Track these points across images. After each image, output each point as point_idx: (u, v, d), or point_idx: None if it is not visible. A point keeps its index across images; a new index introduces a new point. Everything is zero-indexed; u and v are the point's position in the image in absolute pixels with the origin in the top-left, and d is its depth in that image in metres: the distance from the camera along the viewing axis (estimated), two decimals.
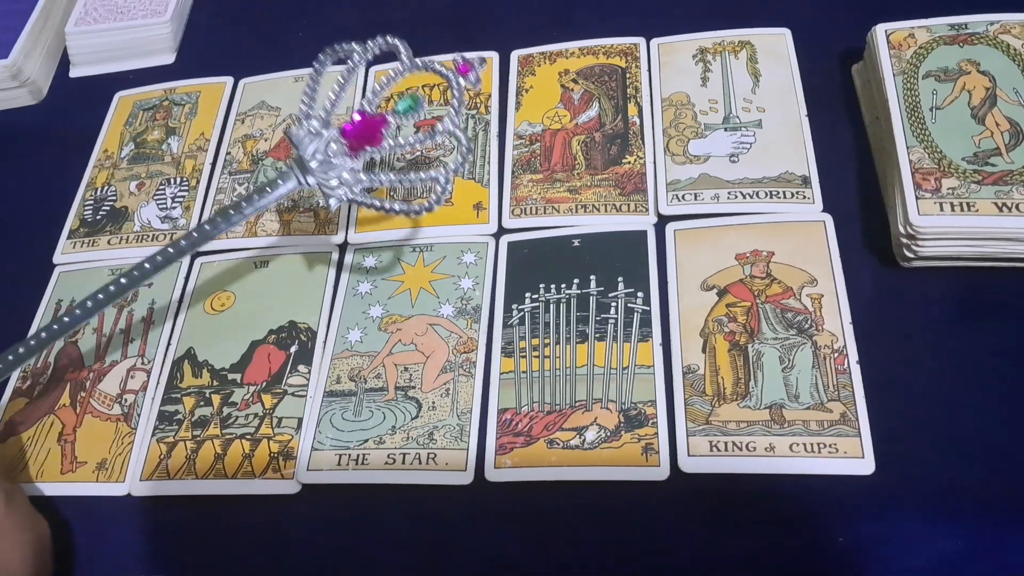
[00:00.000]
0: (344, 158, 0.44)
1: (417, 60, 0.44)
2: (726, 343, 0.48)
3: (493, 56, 0.65)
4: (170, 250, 0.46)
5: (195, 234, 0.46)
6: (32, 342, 0.45)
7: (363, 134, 0.44)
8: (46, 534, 0.47)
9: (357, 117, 0.45)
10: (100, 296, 0.46)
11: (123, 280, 0.46)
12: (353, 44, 0.46)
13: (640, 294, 0.51)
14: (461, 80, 0.44)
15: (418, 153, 0.47)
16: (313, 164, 0.43)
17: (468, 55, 0.46)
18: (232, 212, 0.46)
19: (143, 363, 0.55)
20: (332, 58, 0.46)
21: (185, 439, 0.51)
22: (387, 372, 0.52)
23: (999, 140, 0.48)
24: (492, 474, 0.47)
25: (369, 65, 0.49)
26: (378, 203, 0.45)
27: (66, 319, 0.46)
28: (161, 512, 0.50)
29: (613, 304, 0.51)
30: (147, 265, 0.46)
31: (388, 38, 0.44)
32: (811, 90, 0.57)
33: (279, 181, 0.45)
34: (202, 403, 0.53)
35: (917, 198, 0.47)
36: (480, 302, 0.53)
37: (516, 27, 0.67)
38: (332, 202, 0.45)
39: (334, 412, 0.50)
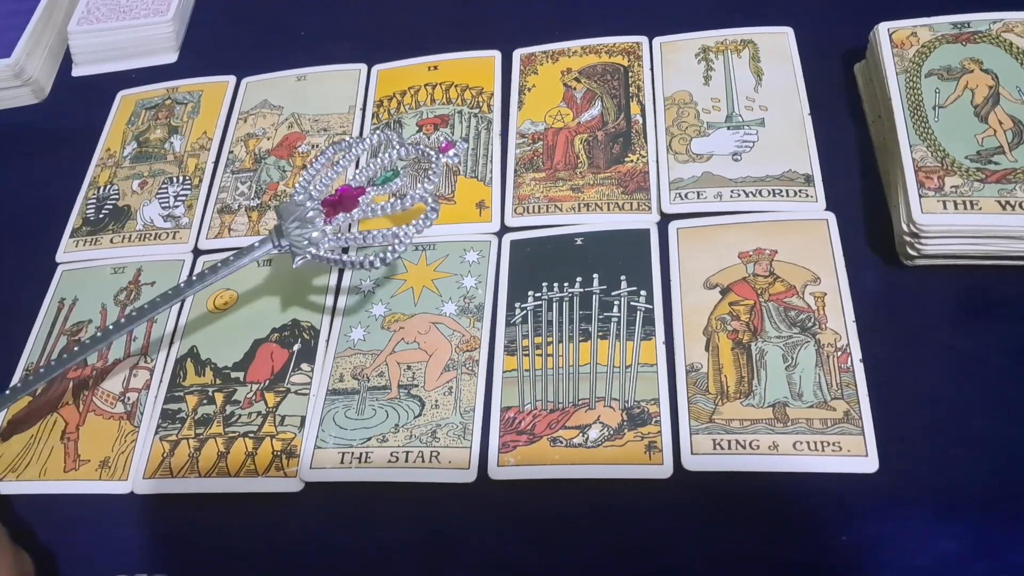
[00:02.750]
0: (318, 222, 0.48)
1: (408, 145, 0.50)
2: (729, 341, 0.48)
3: (495, 55, 0.65)
4: (145, 306, 0.49)
5: (169, 292, 0.49)
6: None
7: (340, 204, 0.48)
8: (30, 570, 0.46)
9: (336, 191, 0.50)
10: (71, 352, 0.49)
11: (86, 340, 0.50)
12: (350, 138, 0.53)
13: (643, 292, 0.51)
14: (442, 157, 0.49)
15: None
16: (292, 227, 0.48)
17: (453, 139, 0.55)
18: (208, 273, 0.49)
19: (146, 361, 0.55)
20: (334, 149, 0.51)
21: (188, 437, 0.51)
22: (390, 370, 0.52)
23: (1002, 138, 0.48)
24: (495, 472, 0.47)
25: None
26: (336, 258, 0.49)
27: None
28: (164, 510, 0.50)
29: (616, 302, 0.51)
30: (121, 322, 0.49)
31: (382, 131, 0.51)
32: (814, 89, 0.57)
33: (255, 244, 0.49)
34: (205, 401, 0.53)
35: (920, 196, 0.47)
36: (483, 300, 0.53)
37: (518, 26, 0.67)
38: (298, 260, 0.49)
39: (337, 410, 0.50)
